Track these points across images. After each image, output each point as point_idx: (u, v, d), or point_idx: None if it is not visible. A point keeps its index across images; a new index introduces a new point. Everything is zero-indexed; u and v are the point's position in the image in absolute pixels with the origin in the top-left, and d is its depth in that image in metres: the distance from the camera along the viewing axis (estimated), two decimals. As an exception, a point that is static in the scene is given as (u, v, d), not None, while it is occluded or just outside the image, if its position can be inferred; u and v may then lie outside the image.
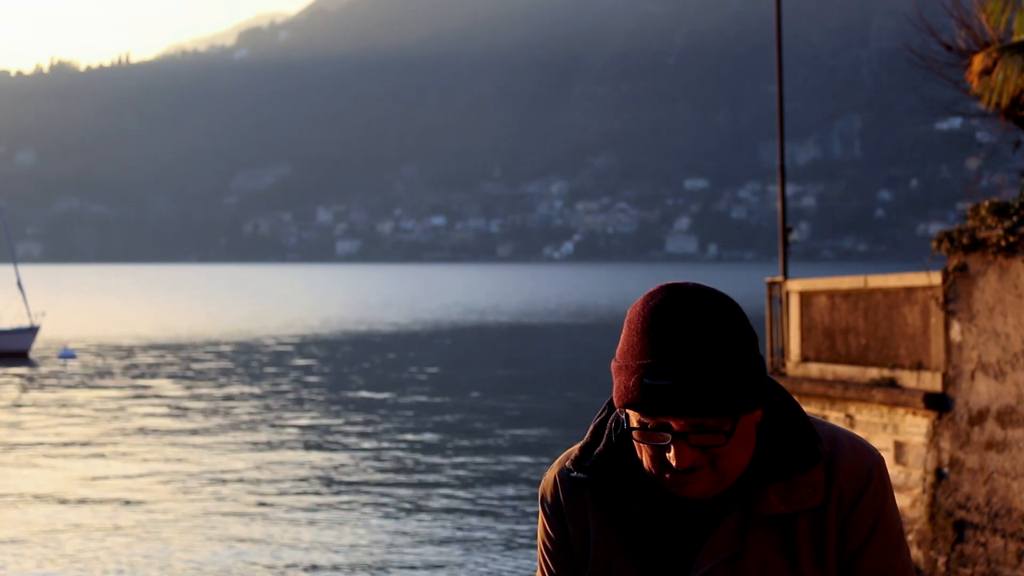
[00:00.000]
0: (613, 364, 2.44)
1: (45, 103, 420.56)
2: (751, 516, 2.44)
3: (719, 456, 2.38)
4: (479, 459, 26.58)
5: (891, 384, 13.91)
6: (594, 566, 2.54)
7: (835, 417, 14.53)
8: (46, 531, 19.70)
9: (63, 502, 21.99)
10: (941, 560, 12.96)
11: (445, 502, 21.94)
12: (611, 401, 2.58)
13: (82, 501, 22.08)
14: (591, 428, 2.60)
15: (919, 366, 13.62)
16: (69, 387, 41.38)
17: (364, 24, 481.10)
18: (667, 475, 2.40)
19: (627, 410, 2.41)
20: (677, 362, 2.33)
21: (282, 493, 22.81)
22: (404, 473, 24.90)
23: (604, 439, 2.55)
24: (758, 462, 2.46)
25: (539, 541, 2.64)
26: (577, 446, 2.60)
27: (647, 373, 2.34)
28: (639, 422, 2.39)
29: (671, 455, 2.37)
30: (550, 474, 2.62)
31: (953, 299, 13.04)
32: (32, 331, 53.72)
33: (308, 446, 28.57)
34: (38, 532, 19.65)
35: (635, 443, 2.45)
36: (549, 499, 2.60)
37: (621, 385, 2.39)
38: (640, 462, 2.48)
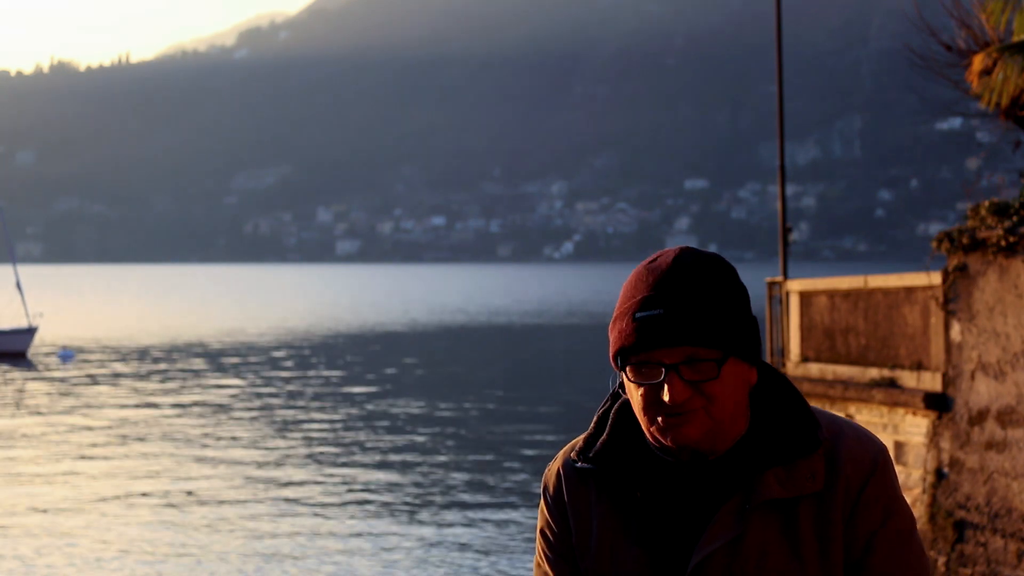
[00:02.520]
0: (609, 325, 2.49)
1: (45, 103, 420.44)
2: (750, 500, 2.46)
3: (712, 399, 2.41)
4: (478, 459, 26.57)
5: (891, 384, 13.88)
6: (596, 557, 2.55)
7: (835, 417, 14.49)
8: (44, 531, 19.69)
9: (61, 502, 21.97)
10: (941, 560, 12.93)
11: (443, 500, 21.93)
12: (614, 392, 2.64)
13: (80, 501, 22.06)
14: (595, 419, 2.63)
15: (919, 366, 13.60)
16: (67, 388, 41.36)
17: (364, 24, 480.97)
18: (661, 419, 2.43)
19: (622, 362, 2.45)
20: (669, 292, 2.40)
21: (280, 492, 22.81)
22: (402, 472, 24.89)
23: (608, 429, 2.57)
24: (758, 446, 2.49)
25: (539, 530, 2.67)
26: (581, 437, 2.62)
27: (640, 307, 2.42)
28: (633, 366, 2.43)
29: (664, 393, 2.41)
30: (554, 465, 2.65)
31: (953, 299, 13.02)
32: (30, 332, 53.70)
33: (307, 445, 28.56)
34: (36, 532, 19.63)
35: (630, 397, 2.50)
36: (552, 490, 2.62)
37: (615, 330, 2.45)
38: (644, 451, 2.53)
